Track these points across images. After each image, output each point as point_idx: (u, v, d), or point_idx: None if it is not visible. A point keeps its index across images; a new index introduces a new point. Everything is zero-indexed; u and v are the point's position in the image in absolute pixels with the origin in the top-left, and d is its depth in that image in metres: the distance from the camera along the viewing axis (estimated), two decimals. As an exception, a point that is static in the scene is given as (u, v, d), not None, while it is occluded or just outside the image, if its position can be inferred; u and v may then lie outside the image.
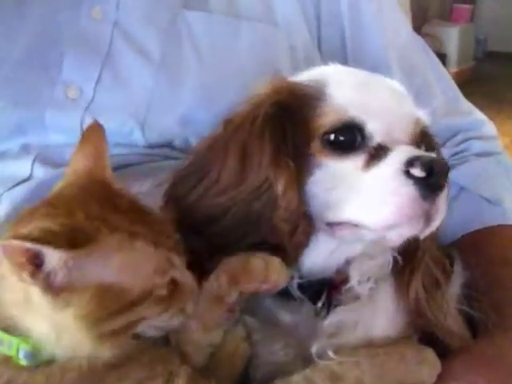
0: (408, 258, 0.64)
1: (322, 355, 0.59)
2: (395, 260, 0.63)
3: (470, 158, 0.90)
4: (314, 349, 0.59)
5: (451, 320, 0.66)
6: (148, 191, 0.68)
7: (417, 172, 0.53)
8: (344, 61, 0.91)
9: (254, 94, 0.61)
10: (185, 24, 0.80)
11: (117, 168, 0.63)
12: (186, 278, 0.51)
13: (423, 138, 0.62)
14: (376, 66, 0.91)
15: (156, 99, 0.77)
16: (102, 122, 0.75)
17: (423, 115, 0.62)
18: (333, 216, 0.57)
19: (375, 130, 0.57)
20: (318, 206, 0.58)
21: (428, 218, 0.55)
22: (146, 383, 0.50)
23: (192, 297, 0.52)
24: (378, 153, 0.56)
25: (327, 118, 0.57)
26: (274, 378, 0.58)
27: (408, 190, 0.53)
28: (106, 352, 0.47)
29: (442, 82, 0.99)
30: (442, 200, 0.55)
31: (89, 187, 0.51)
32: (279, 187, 0.56)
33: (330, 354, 0.58)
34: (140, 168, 0.74)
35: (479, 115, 0.99)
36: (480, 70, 4.54)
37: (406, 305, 0.64)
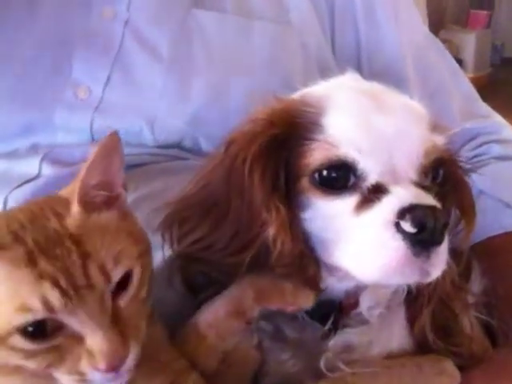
0: (419, 290, 0.59)
1: (331, 369, 0.56)
2: (409, 288, 0.58)
3: (490, 162, 0.88)
4: (322, 362, 0.57)
5: (470, 330, 0.64)
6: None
7: (407, 227, 0.47)
8: (358, 60, 0.90)
9: (251, 118, 0.57)
10: (196, 23, 0.79)
11: (126, 168, 0.62)
12: (95, 334, 0.42)
13: (441, 166, 0.55)
14: (390, 66, 0.90)
15: (166, 99, 0.76)
16: (111, 122, 0.75)
17: (441, 140, 0.55)
18: (326, 257, 0.54)
19: (370, 169, 0.51)
20: (314, 242, 0.55)
21: (423, 272, 0.50)
22: None
23: (104, 363, 0.42)
24: (372, 195, 0.51)
25: (316, 155, 0.52)
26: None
27: (397, 246, 0.48)
28: None
29: (460, 83, 0.97)
30: (439, 255, 0.49)
31: (45, 205, 0.46)
32: (270, 233, 0.52)
33: (341, 366, 0.56)
34: (149, 168, 0.73)
35: (498, 118, 0.97)
36: (497, 76, 4.49)
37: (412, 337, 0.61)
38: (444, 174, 0.56)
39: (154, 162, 0.74)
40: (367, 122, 0.52)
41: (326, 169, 0.52)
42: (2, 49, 0.76)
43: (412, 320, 0.60)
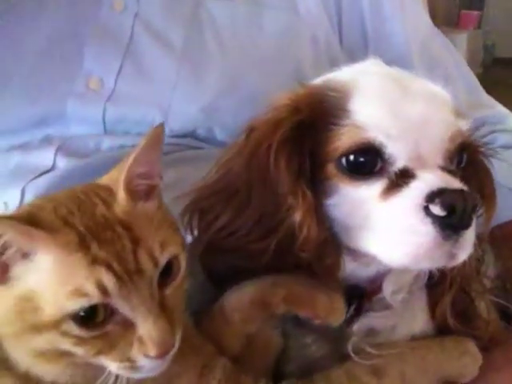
0: (442, 273, 0.58)
1: (357, 352, 0.56)
2: (431, 273, 0.58)
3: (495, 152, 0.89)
4: (349, 346, 0.56)
5: (487, 314, 0.64)
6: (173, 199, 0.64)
7: (436, 210, 0.47)
8: (365, 53, 0.91)
9: (274, 106, 0.56)
10: (207, 13, 0.80)
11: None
12: (146, 321, 0.42)
13: (464, 151, 0.55)
14: (397, 58, 0.90)
15: (179, 89, 0.76)
16: (124, 112, 0.75)
17: (465, 125, 0.55)
18: (351, 243, 0.54)
19: (398, 154, 0.51)
20: (338, 229, 0.54)
21: (450, 256, 0.49)
22: (176, 380, 0.47)
23: (155, 351, 0.42)
24: (399, 179, 0.50)
25: (343, 140, 0.51)
26: (305, 373, 0.56)
27: (426, 230, 0.48)
28: (49, 373, 0.44)
29: (464, 74, 0.99)
30: (467, 238, 0.49)
31: (90, 192, 0.47)
32: (297, 218, 0.52)
33: (369, 349, 0.56)
34: (163, 158, 0.73)
35: (502, 108, 0.99)
36: (488, 77, 4.52)
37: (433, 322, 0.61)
38: (467, 159, 0.56)
39: (167, 151, 0.74)
40: (394, 107, 0.52)
41: (354, 153, 0.51)
42: (14, 42, 0.76)
43: (433, 305, 0.61)
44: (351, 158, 0.51)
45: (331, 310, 0.54)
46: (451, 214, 0.47)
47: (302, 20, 0.83)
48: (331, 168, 0.52)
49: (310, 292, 0.54)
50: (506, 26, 4.66)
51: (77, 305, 0.40)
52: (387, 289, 0.58)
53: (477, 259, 0.64)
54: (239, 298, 0.55)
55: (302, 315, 0.55)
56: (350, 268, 0.57)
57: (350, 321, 0.57)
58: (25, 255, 0.41)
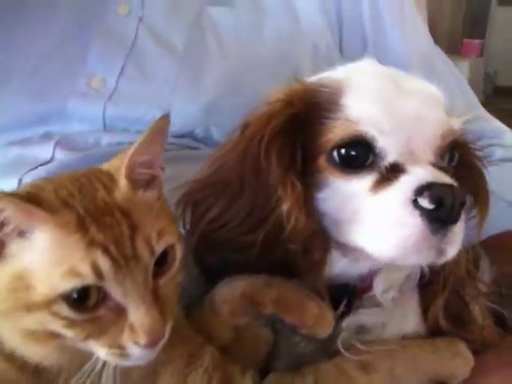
0: (434, 275, 0.59)
1: (347, 348, 0.56)
2: (422, 273, 0.59)
3: (493, 164, 0.90)
4: (339, 341, 0.56)
5: (481, 318, 0.64)
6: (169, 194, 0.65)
7: (425, 203, 0.47)
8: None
9: (268, 100, 0.57)
10: (209, 19, 0.82)
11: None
12: (138, 309, 0.42)
13: (456, 148, 0.56)
14: (397, 68, 0.92)
15: (179, 90, 0.78)
16: (124, 111, 0.76)
17: (457, 124, 0.56)
18: (340, 237, 0.54)
19: (389, 148, 0.51)
20: (327, 223, 0.54)
21: (439, 250, 0.49)
22: (162, 367, 0.47)
23: (145, 339, 0.41)
24: (389, 174, 0.51)
25: (335, 133, 0.52)
26: (295, 369, 0.55)
27: (415, 223, 0.48)
28: (36, 355, 0.44)
29: (463, 90, 1.00)
30: (455, 233, 0.49)
31: (91, 177, 0.47)
32: (284, 209, 0.52)
33: (358, 345, 0.55)
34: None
35: (499, 124, 1.00)
36: (489, 105, 4.56)
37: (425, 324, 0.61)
38: (459, 159, 0.57)
39: (166, 150, 0.75)
40: (387, 103, 0.52)
41: (345, 146, 0.52)
42: (20, 42, 0.78)
43: (426, 307, 0.60)
44: (343, 150, 0.52)
45: (319, 320, 0.53)
46: (439, 207, 0.47)
47: (303, 29, 0.85)
48: (323, 161, 0.53)
49: (301, 299, 0.54)
50: (507, 55, 4.72)
51: (70, 285, 0.40)
52: (377, 287, 0.58)
53: (471, 263, 0.65)
54: (230, 291, 0.55)
55: (288, 321, 0.54)
56: (340, 266, 0.57)
57: (340, 318, 0.57)
58: (22, 233, 0.41)
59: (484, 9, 4.71)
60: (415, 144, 0.52)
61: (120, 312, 0.41)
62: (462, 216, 0.50)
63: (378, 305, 0.58)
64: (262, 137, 0.54)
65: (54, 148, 0.73)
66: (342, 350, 0.55)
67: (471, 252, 0.66)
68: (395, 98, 0.53)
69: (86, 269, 0.40)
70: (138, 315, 0.41)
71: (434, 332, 0.60)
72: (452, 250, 0.50)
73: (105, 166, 0.49)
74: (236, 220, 0.55)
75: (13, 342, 0.44)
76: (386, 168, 0.51)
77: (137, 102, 0.76)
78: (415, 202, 0.48)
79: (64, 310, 0.40)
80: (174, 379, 0.47)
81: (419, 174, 0.50)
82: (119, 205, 0.44)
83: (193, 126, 0.78)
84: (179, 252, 0.46)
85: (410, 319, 0.60)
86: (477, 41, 4.35)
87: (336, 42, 0.89)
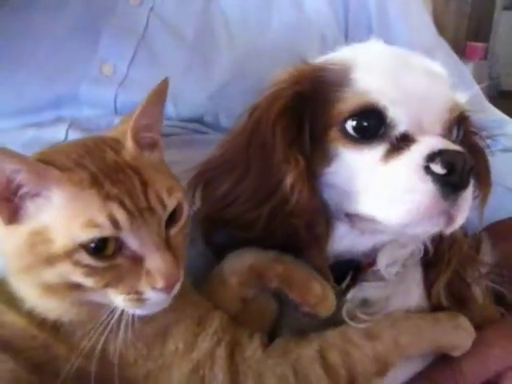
0: (438, 253, 0.62)
1: (352, 319, 0.57)
2: (426, 250, 0.61)
3: (495, 153, 0.91)
4: (344, 311, 0.58)
5: (482, 299, 0.65)
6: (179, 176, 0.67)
7: (436, 168, 0.49)
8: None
9: (275, 81, 0.59)
10: (218, 8, 0.84)
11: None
12: (154, 255, 0.44)
13: (461, 124, 0.58)
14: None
15: (189, 76, 0.79)
16: (135, 97, 0.78)
17: (462, 99, 0.58)
18: (350, 208, 0.55)
19: (399, 118, 0.53)
20: (336, 196, 0.56)
21: (449, 216, 0.51)
22: (174, 325, 0.49)
23: (162, 283, 0.44)
24: (400, 144, 0.52)
25: (347, 104, 0.53)
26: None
27: (427, 188, 0.49)
28: (54, 310, 0.45)
29: (467, 84, 1.01)
30: (465, 199, 0.51)
31: (99, 141, 0.49)
32: (288, 182, 0.54)
33: (362, 316, 0.57)
34: (171, 139, 0.75)
35: (502, 115, 1.01)
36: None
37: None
38: (463, 137, 0.58)
39: (176, 133, 0.77)
40: (395, 77, 0.54)
41: (357, 116, 0.53)
42: (34, 29, 0.80)
43: (429, 286, 0.62)
44: (355, 121, 0.53)
45: (322, 300, 0.55)
46: (451, 172, 0.49)
47: (310, 18, 0.86)
48: (334, 133, 0.54)
49: (306, 278, 0.56)
50: (511, 59, 4.73)
51: (89, 235, 0.42)
52: (381, 262, 0.59)
53: (472, 247, 0.66)
54: (239, 263, 0.57)
55: (292, 297, 0.56)
56: (345, 243, 0.59)
57: (344, 291, 0.59)
58: (37, 194, 0.43)
59: (488, 13, 4.72)
60: (424, 116, 0.54)
61: (136, 260, 0.44)
62: (471, 182, 0.51)
63: (382, 279, 0.60)
64: (268, 115, 0.56)
65: (68, 129, 0.75)
66: (347, 319, 0.56)
67: (474, 236, 0.68)
68: (403, 72, 0.55)
69: (103, 220, 0.42)
70: (154, 261, 0.43)
71: (436, 309, 0.62)
72: (461, 217, 0.52)
73: (109, 133, 0.51)
74: (242, 197, 0.57)
75: (32, 299, 0.46)
76: (397, 138, 0.53)
77: (147, 88, 0.77)
78: (427, 169, 0.50)
79: (85, 257, 0.42)
80: (185, 337, 0.48)
81: (429, 142, 0.52)
82: (129, 163, 0.46)
83: (202, 112, 0.80)
84: (186, 206, 0.48)
85: (413, 294, 0.62)
86: (480, 44, 4.36)
87: (342, 33, 0.90)
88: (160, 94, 0.50)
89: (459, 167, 0.49)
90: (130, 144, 0.48)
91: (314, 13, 0.87)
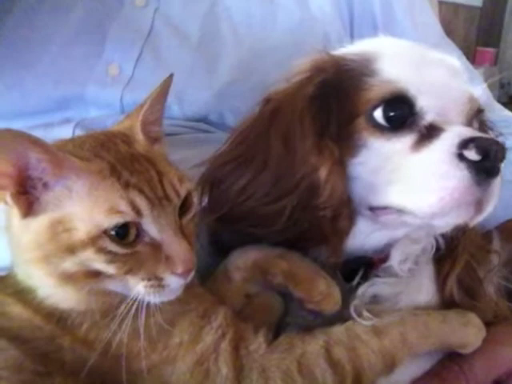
0: (450, 248, 0.61)
1: (359, 315, 0.56)
2: (438, 246, 0.61)
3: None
4: (351, 308, 0.56)
5: (494, 294, 0.65)
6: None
7: (471, 155, 0.49)
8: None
9: (294, 71, 0.58)
10: (223, 8, 0.84)
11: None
12: (173, 241, 0.45)
13: (477, 118, 0.58)
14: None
15: (194, 76, 0.79)
16: (140, 97, 0.78)
17: (478, 94, 0.58)
18: (377, 200, 0.54)
19: (427, 107, 0.52)
20: (361, 188, 0.54)
21: (479, 205, 0.50)
22: (179, 318, 0.49)
23: (182, 267, 0.45)
24: (429, 133, 0.52)
25: (375, 92, 0.52)
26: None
27: (461, 175, 0.49)
28: (70, 300, 0.46)
29: (475, 84, 1.01)
30: (496, 186, 0.51)
31: (109, 134, 0.50)
32: (322, 174, 0.52)
33: (367, 314, 0.56)
34: (176, 138, 0.76)
35: (510, 114, 1.00)
36: (504, 114, 4.54)
37: (441, 295, 0.62)
38: (478, 129, 0.58)
39: (181, 132, 0.77)
40: (419, 68, 0.54)
41: (386, 105, 0.52)
42: (41, 32, 0.81)
43: (441, 280, 0.61)
44: (384, 109, 0.52)
45: (327, 297, 0.55)
46: (485, 158, 0.49)
47: (314, 18, 0.87)
48: (362, 122, 0.53)
49: (311, 275, 0.55)
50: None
51: (112, 221, 0.42)
52: (395, 257, 0.58)
53: (484, 240, 0.65)
54: (243, 259, 0.56)
55: (296, 295, 0.56)
56: (360, 238, 0.57)
57: (355, 287, 0.58)
58: (57, 184, 0.43)
59: (498, 18, 4.70)
60: (449, 107, 0.54)
61: (155, 247, 0.44)
62: (501, 170, 0.51)
63: (394, 275, 0.59)
64: (295, 104, 0.54)
65: (74, 129, 0.76)
66: (354, 315, 0.55)
67: (485, 234, 0.68)
68: (425, 64, 0.55)
69: (125, 207, 0.43)
70: (174, 247, 0.44)
71: (447, 305, 0.61)
72: (490, 206, 0.51)
73: (115, 128, 0.51)
74: (262, 191, 0.55)
75: (47, 289, 0.46)
76: (426, 127, 0.52)
77: (153, 88, 0.78)
78: (460, 156, 0.49)
79: (108, 244, 0.43)
80: (190, 330, 0.48)
81: (459, 130, 0.52)
82: (143, 154, 0.47)
83: (207, 111, 0.80)
84: (195, 196, 0.50)
85: (423, 291, 0.61)
86: (491, 50, 4.33)
87: (347, 32, 0.91)
88: (165, 91, 0.52)
89: (493, 152, 0.49)
90: (140, 137, 0.49)
91: (319, 11, 0.88)
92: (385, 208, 0.54)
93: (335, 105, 0.54)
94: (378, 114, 0.53)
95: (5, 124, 0.79)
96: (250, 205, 0.56)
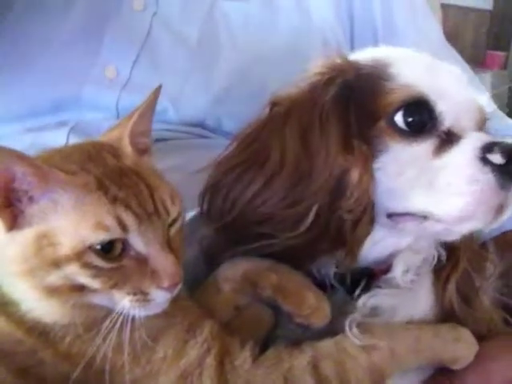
0: (449, 254, 0.60)
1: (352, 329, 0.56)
2: (438, 256, 0.60)
3: None
4: (347, 322, 0.55)
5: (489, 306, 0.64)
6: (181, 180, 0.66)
7: (496, 158, 0.49)
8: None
9: (313, 72, 0.57)
10: (222, 13, 0.84)
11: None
12: (159, 255, 0.44)
13: (485, 126, 0.58)
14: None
15: (191, 81, 0.80)
16: (137, 101, 0.78)
17: (484, 100, 0.58)
18: (397, 206, 0.53)
19: (445, 113, 0.53)
20: (380, 194, 0.53)
21: (499, 209, 0.50)
22: (163, 331, 0.48)
23: (168, 281, 0.44)
24: (448, 138, 0.52)
25: (396, 95, 0.52)
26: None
27: (486, 178, 0.49)
28: (53, 314, 0.45)
29: (479, 90, 1.00)
30: None
31: (97, 146, 0.49)
32: (354, 175, 0.51)
33: (355, 330, 0.54)
34: (172, 143, 0.76)
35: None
36: (514, 118, 4.50)
37: (440, 304, 0.61)
38: None
39: (177, 137, 0.77)
40: (435, 73, 0.54)
41: (408, 109, 0.52)
42: (38, 34, 0.81)
43: (442, 285, 0.61)
44: (405, 113, 0.52)
45: (316, 311, 0.54)
46: (509, 162, 0.49)
47: (314, 24, 0.86)
48: (382, 125, 0.53)
49: (301, 288, 0.55)
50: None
51: (98, 237, 0.42)
52: (397, 268, 0.58)
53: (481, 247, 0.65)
54: (233, 270, 0.56)
55: (285, 308, 0.55)
56: (369, 245, 0.56)
57: (356, 298, 0.57)
58: (43, 197, 0.43)
59: (508, 21, 4.66)
60: (464, 114, 0.54)
61: (141, 261, 0.44)
62: None
63: (395, 286, 0.58)
64: (315, 104, 0.54)
65: (68, 134, 0.76)
66: (348, 331, 0.54)
67: (481, 245, 0.67)
68: (436, 71, 0.55)
69: (112, 223, 0.42)
70: (160, 261, 0.44)
71: (446, 314, 0.60)
72: (510, 209, 0.51)
73: (104, 138, 0.50)
74: (279, 193, 0.54)
75: (31, 302, 0.45)
76: (445, 132, 0.52)
77: (149, 92, 0.78)
78: (484, 160, 0.49)
79: (94, 259, 0.42)
80: (174, 344, 0.48)
81: (478, 136, 0.52)
82: (131, 168, 0.46)
83: (204, 115, 0.80)
84: (183, 209, 0.49)
85: (421, 303, 0.60)
86: (500, 53, 4.30)
87: (347, 39, 0.90)
88: (154, 102, 0.51)
89: None
90: (129, 149, 0.48)
91: (319, 18, 0.87)
92: (405, 214, 0.53)
93: (354, 108, 0.54)
94: (399, 118, 0.52)
95: (1, 127, 0.80)
96: (266, 210, 0.54)
